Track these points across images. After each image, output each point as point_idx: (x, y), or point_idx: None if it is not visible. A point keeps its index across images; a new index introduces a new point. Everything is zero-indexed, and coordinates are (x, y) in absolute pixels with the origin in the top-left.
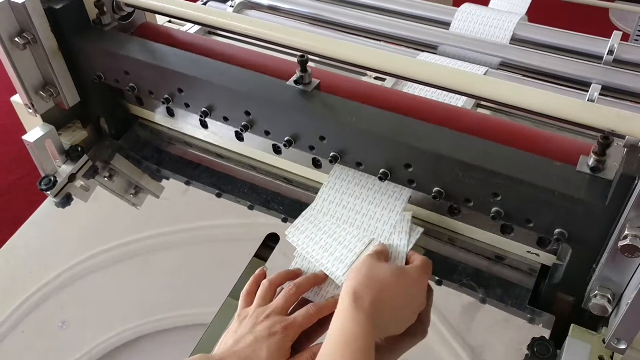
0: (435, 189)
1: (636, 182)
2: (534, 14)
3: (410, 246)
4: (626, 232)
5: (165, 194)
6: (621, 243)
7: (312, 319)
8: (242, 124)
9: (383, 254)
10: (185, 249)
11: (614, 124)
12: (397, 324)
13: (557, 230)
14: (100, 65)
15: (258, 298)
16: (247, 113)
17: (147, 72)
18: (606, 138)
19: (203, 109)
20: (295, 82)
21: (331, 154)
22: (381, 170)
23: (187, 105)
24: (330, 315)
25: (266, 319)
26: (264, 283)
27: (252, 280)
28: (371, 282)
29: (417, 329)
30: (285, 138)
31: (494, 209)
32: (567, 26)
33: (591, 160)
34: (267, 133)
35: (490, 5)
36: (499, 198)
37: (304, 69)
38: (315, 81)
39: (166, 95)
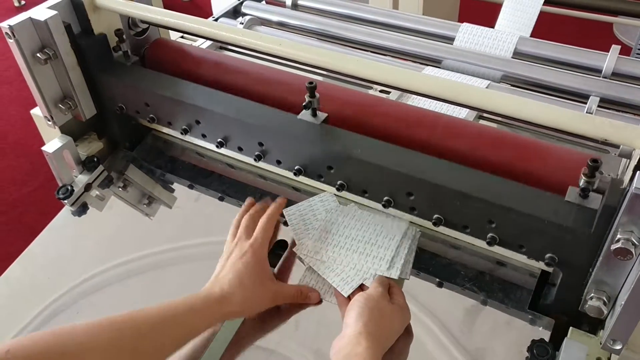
0: (435, 216)
1: (627, 189)
2: (540, 29)
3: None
4: (619, 235)
5: (178, 203)
6: (614, 246)
7: (268, 230)
8: (256, 153)
9: (386, 288)
10: (198, 263)
11: (608, 134)
12: None
13: (547, 255)
14: (122, 98)
15: (241, 229)
16: (261, 144)
17: (167, 105)
18: (595, 161)
19: (219, 139)
20: (305, 106)
21: (338, 183)
22: (385, 198)
23: (204, 136)
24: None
25: (237, 246)
26: (246, 217)
27: (241, 211)
28: (384, 330)
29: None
30: (296, 167)
31: (489, 235)
32: (573, 40)
33: (582, 182)
34: (278, 162)
35: (496, 27)
36: (494, 225)
37: (312, 94)
38: (323, 115)
39: (184, 127)
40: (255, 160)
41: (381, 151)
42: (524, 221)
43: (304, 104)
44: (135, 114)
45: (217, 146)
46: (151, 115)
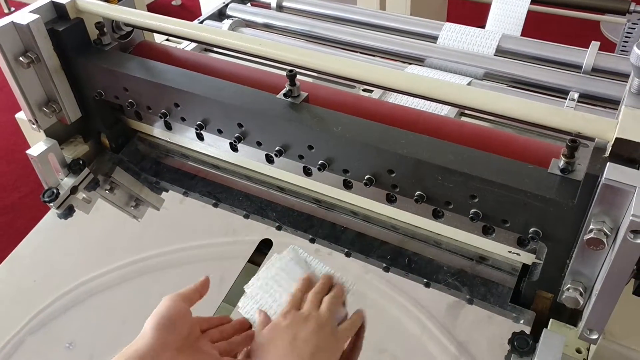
0: (417, 192)
1: (599, 180)
2: (528, 29)
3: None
4: (591, 226)
5: (165, 204)
6: (587, 237)
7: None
8: (236, 135)
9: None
10: (185, 268)
11: (580, 127)
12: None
13: (532, 229)
14: (100, 83)
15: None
16: (240, 125)
17: (145, 89)
18: (574, 141)
19: (198, 122)
20: (285, 95)
21: (319, 162)
22: (366, 177)
23: (183, 119)
24: None
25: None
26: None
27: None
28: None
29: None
30: (276, 148)
31: (472, 210)
32: (561, 39)
33: (562, 163)
34: (259, 144)
35: (486, 29)
36: (476, 200)
37: (292, 82)
38: (304, 94)
39: (163, 110)
40: (235, 142)
41: (361, 128)
42: (506, 194)
43: (283, 92)
44: (114, 100)
45: (196, 129)
46: (130, 100)
